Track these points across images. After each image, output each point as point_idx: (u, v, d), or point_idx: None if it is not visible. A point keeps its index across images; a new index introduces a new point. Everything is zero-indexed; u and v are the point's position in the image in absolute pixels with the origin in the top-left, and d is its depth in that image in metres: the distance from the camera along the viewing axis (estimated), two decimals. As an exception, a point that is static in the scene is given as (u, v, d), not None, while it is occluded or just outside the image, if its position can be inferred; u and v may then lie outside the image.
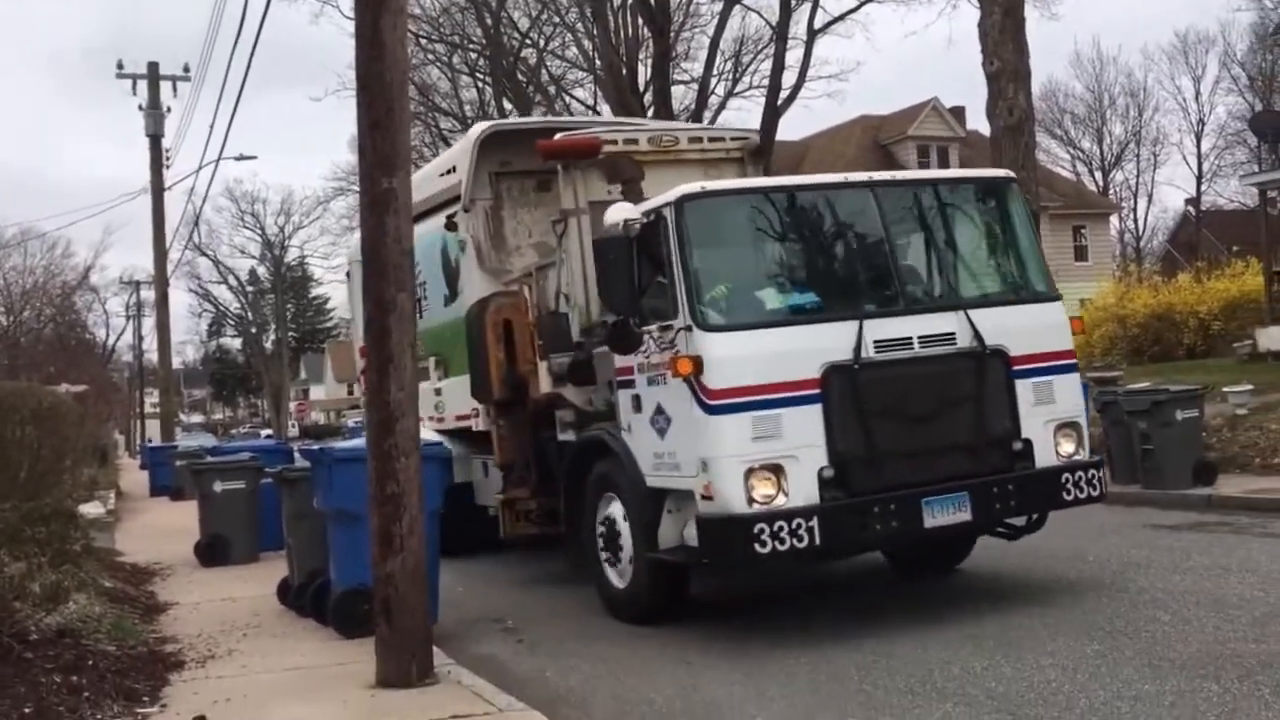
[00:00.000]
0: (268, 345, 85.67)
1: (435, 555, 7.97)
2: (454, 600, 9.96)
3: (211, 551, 12.85)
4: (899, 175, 8.34)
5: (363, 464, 7.12)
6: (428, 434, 12.48)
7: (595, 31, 33.43)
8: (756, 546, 7.11)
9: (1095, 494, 7.95)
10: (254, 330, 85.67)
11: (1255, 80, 56.66)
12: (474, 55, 39.61)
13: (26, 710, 6.16)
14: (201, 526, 13.15)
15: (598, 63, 33.87)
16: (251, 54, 28.98)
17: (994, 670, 6.44)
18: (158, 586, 11.46)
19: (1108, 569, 9.00)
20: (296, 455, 13.22)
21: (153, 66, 31.94)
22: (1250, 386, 15.91)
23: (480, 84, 41.17)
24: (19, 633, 7.28)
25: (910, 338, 7.62)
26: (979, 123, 33.34)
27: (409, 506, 6.61)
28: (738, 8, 32.94)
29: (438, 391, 12.33)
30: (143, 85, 31.76)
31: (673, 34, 33.12)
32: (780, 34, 31.79)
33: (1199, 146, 60.53)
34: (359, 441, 8.64)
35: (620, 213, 7.84)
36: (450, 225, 11.61)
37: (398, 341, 6.66)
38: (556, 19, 36.85)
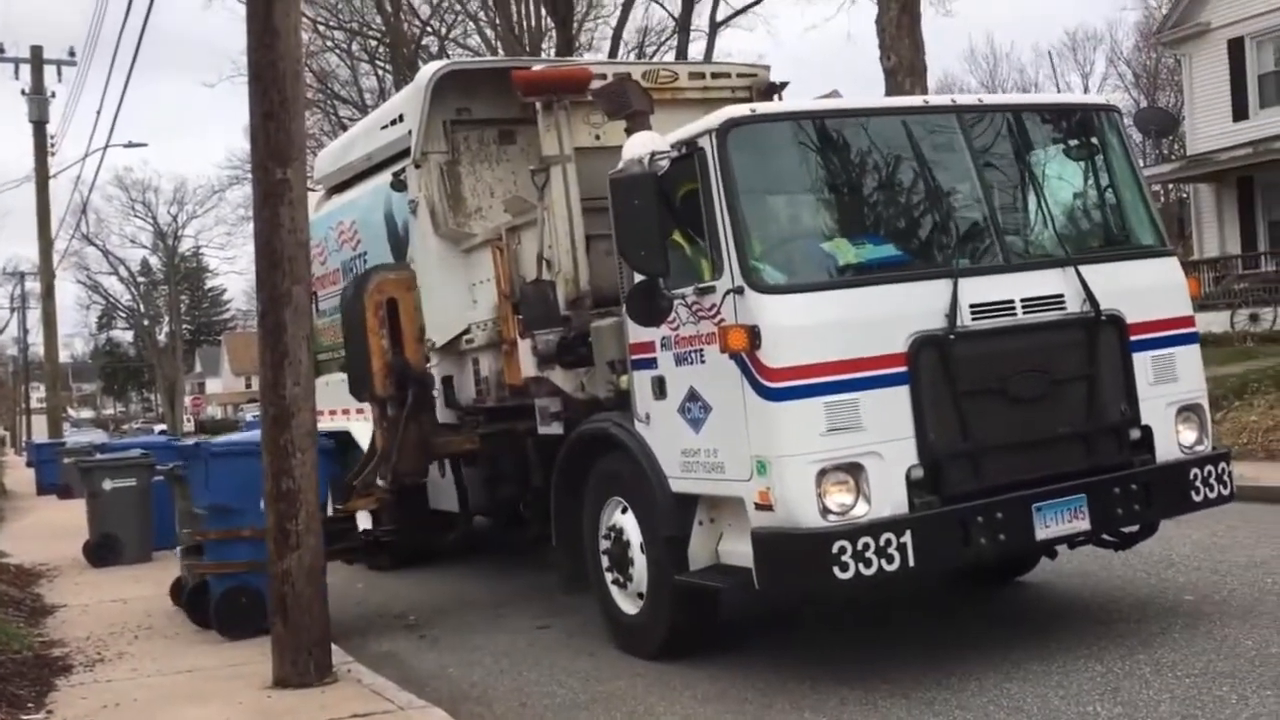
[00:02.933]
0: (161, 338, 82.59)
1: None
2: (354, 596, 9.92)
3: (101, 551, 12.41)
4: (988, 99, 6.75)
5: (240, 458, 7.39)
6: (368, 427, 10.87)
7: (498, 20, 34.06)
8: (836, 570, 5.50)
9: (1225, 493, 6.50)
10: (146, 323, 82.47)
11: (1140, 77, 57.97)
12: (374, 43, 39.80)
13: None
14: (91, 525, 12.68)
15: (500, 52, 33.19)
16: (140, 37, 28.46)
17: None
18: (44, 588, 11.14)
19: (1220, 575, 7.60)
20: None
21: (36, 50, 30.49)
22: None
23: (380, 72, 41.08)
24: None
25: (1013, 301, 6.08)
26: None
27: (305, 503, 6.58)
28: None
29: (382, 379, 10.53)
30: (25, 70, 30.33)
31: (576, 24, 33.38)
32: (683, 26, 34.12)
33: (1088, 140, 61.75)
34: (240, 435, 8.73)
35: (644, 144, 6.17)
36: (398, 184, 9.88)
37: (293, 335, 6.58)
38: (458, 7, 37.57)
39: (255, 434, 7.38)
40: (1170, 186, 32.92)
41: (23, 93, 30.32)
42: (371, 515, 9.62)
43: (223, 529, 8.17)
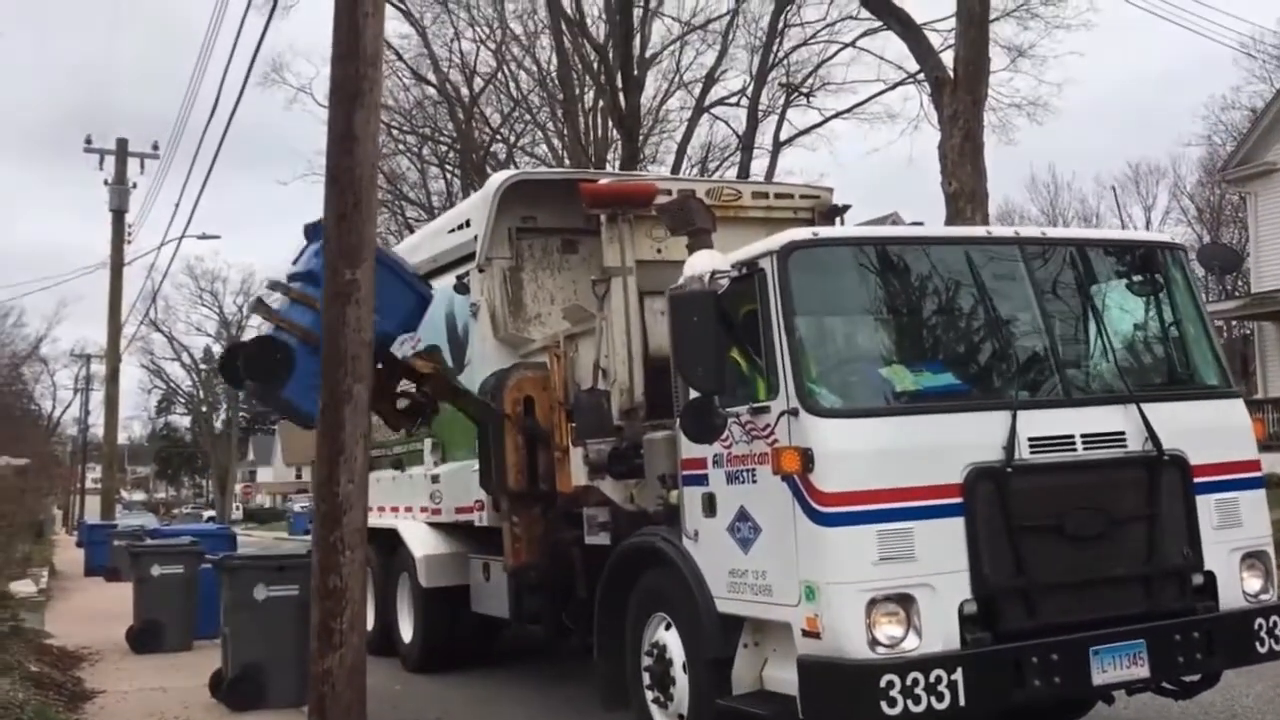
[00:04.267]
0: (217, 425, 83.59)
1: None
2: (391, 698, 9.76)
3: (144, 637, 12.31)
4: (1051, 233, 6.72)
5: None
6: (416, 526, 10.89)
7: (565, 131, 34.42)
8: (884, 706, 5.34)
9: (1291, 646, 6.28)
10: (204, 409, 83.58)
11: (1203, 212, 57.60)
12: (444, 148, 40.69)
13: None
14: (136, 610, 12.59)
15: (566, 161, 33.83)
16: (221, 139, 29.23)
17: None
18: (86, 672, 11.03)
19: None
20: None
21: (121, 143, 31.62)
22: None
23: (449, 175, 41.84)
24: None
25: (1073, 436, 5.98)
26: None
27: (351, 601, 6.58)
28: (706, 116, 33.61)
29: (434, 479, 10.59)
30: (110, 160, 31.38)
31: (641, 137, 33.75)
32: (747, 144, 34.25)
33: (1150, 274, 61.21)
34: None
35: (706, 262, 6.23)
36: (461, 287, 10.01)
37: (350, 433, 6.64)
38: (528, 117, 38.40)
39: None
40: (1234, 323, 32.57)
41: (106, 182, 31.39)
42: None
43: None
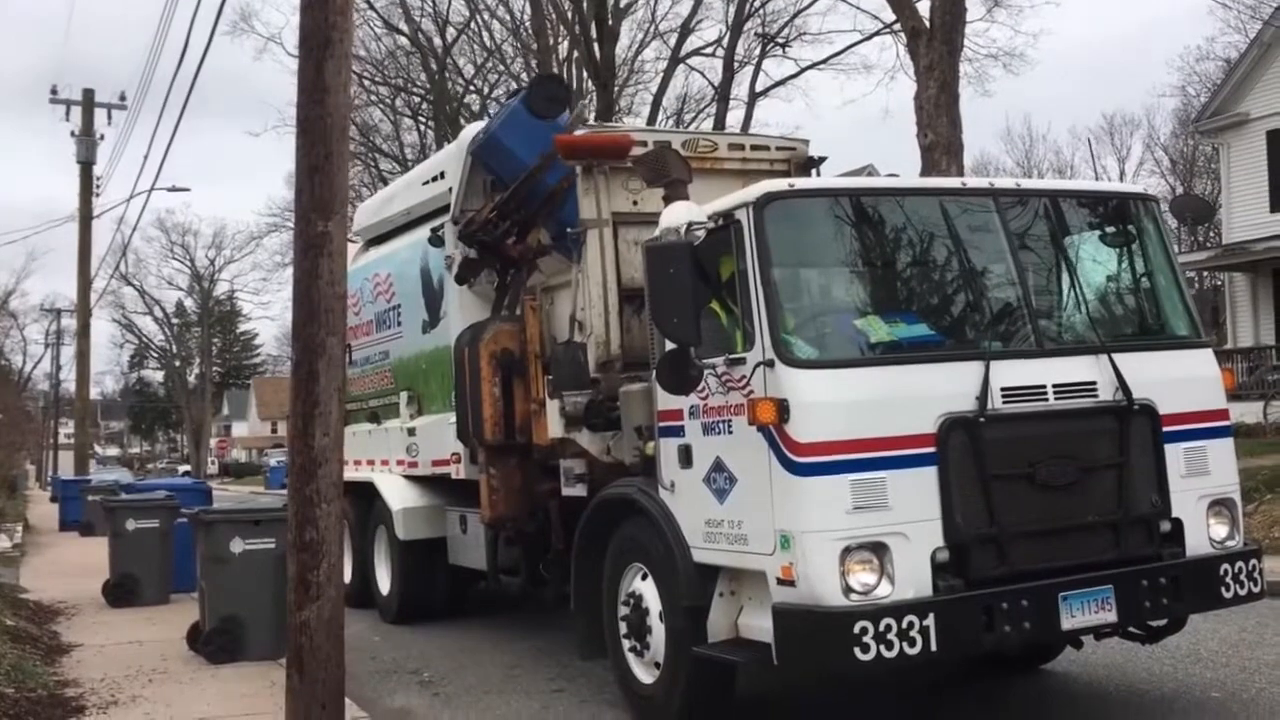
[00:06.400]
0: (191, 379, 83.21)
1: None
2: (370, 649, 9.92)
3: (121, 591, 12.34)
4: (1025, 184, 6.73)
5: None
6: (393, 480, 10.90)
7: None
8: (857, 651, 5.42)
9: (1256, 590, 6.38)
10: (177, 364, 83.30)
11: (1177, 164, 57.94)
12: (417, 99, 40.37)
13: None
14: (111, 565, 12.63)
15: None
16: (190, 89, 28.81)
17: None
18: (62, 626, 11.08)
19: (1249, 673, 7.46)
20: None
21: (88, 93, 31.32)
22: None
23: (423, 127, 41.47)
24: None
25: (1045, 386, 6.04)
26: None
27: (328, 554, 6.51)
28: (681, 67, 33.49)
29: (410, 431, 10.60)
30: (76, 111, 31.11)
31: (616, 89, 33.60)
32: (723, 95, 34.26)
33: (1123, 226, 61.44)
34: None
35: (682, 214, 6.20)
36: (435, 240, 9.97)
37: (325, 386, 6.56)
38: (501, 68, 37.84)
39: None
40: (1205, 274, 32.81)
41: (72, 134, 31.11)
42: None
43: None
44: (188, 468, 72.95)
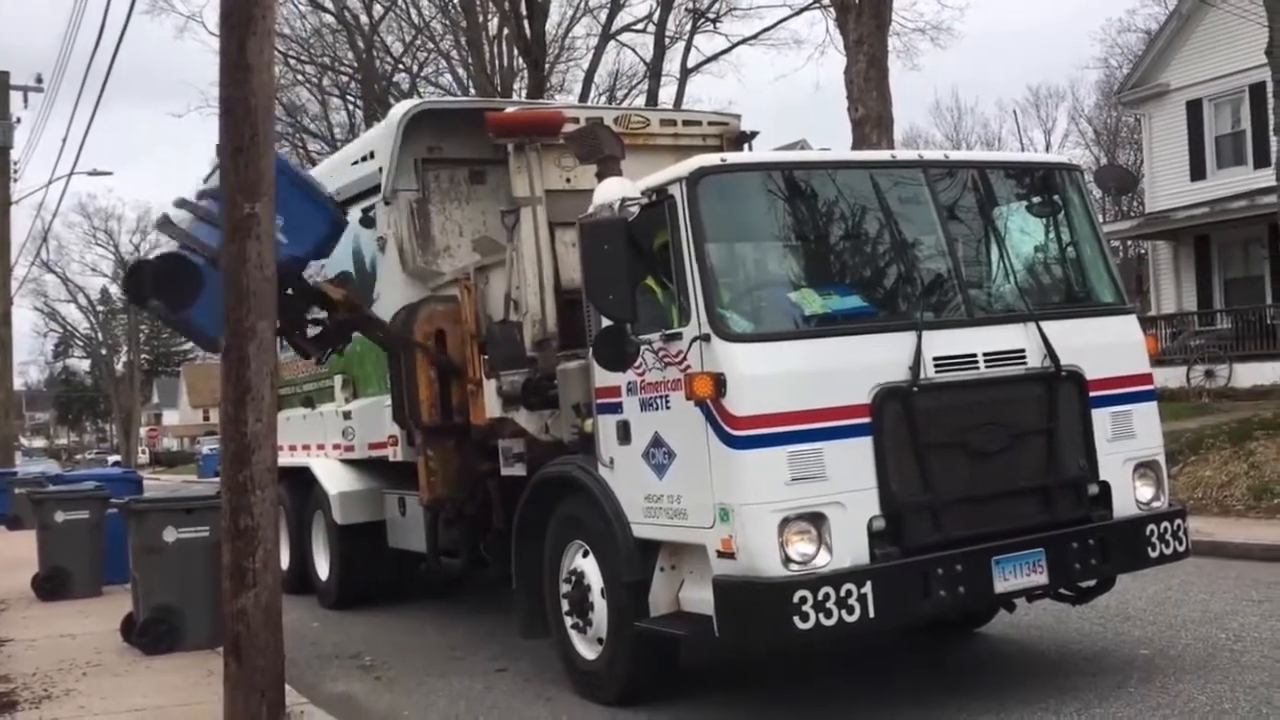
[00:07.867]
0: (119, 367, 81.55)
1: None
2: (309, 635, 9.82)
3: (51, 585, 12.06)
4: (954, 155, 6.83)
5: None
6: (329, 464, 10.80)
7: (470, 60, 33.85)
8: (797, 620, 5.50)
9: (1181, 550, 6.58)
10: (104, 352, 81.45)
11: (1101, 135, 59.14)
12: (345, 78, 39.77)
13: None
14: (41, 558, 12.33)
15: (472, 91, 33.34)
16: (109, 69, 28.07)
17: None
18: None
19: (1175, 630, 7.67)
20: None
21: (2, 75, 30.25)
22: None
23: (351, 107, 40.91)
24: None
25: (975, 355, 6.14)
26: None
27: (264, 540, 6.45)
28: (613, 43, 33.42)
29: (346, 415, 10.50)
30: None
31: (548, 66, 33.35)
32: (654, 71, 34.50)
33: (1048, 195, 62.66)
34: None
35: (615, 190, 6.20)
36: (366, 221, 9.86)
37: (257, 370, 6.49)
38: (431, 46, 37.34)
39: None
40: (1129, 242, 33.49)
41: (-14, 118, 30.31)
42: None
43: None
44: (118, 458, 71.59)
